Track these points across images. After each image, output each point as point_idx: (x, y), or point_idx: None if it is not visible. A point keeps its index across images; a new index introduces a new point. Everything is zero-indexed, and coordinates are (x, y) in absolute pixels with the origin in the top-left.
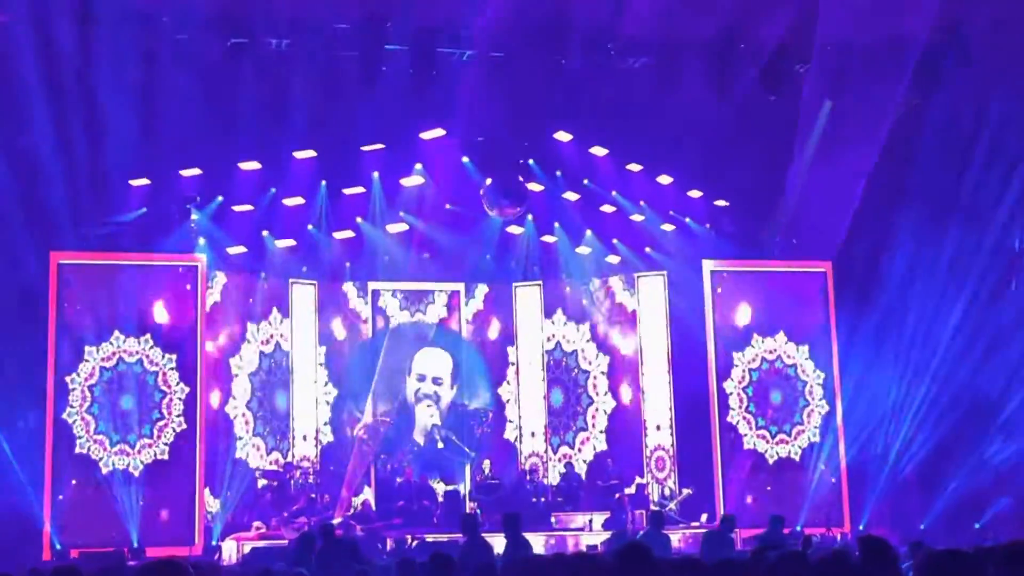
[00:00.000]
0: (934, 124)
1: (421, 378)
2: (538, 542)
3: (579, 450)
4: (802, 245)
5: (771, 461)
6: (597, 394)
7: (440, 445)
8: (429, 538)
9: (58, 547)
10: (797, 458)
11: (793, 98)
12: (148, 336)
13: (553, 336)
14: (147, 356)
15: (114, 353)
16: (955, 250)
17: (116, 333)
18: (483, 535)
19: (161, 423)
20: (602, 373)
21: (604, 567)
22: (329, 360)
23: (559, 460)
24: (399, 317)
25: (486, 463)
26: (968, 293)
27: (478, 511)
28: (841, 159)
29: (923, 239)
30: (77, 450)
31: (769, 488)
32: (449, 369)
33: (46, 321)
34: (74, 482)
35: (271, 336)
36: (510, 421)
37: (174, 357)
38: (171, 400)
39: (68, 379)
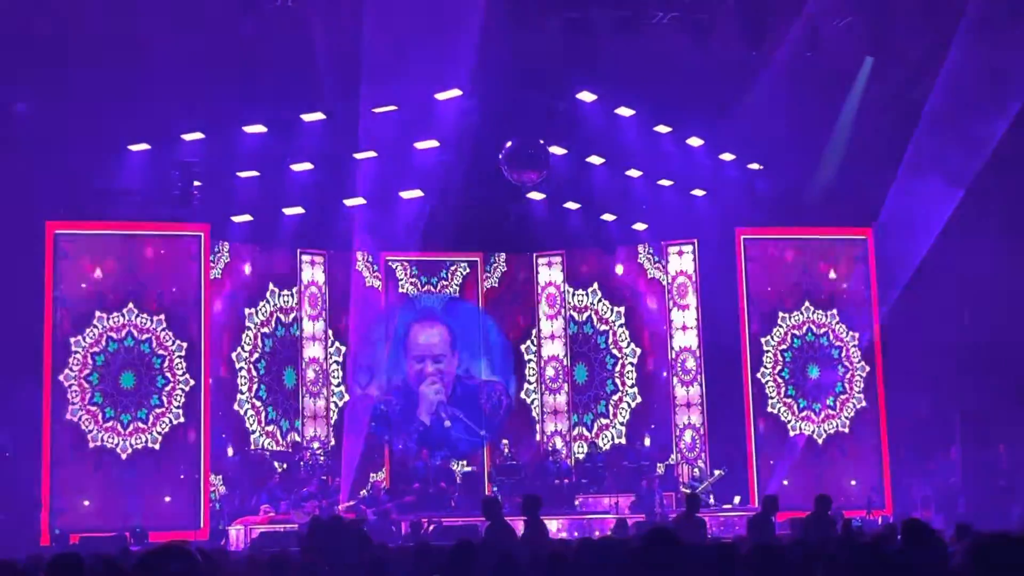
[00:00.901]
0: (976, 77)
1: (419, 359)
2: (561, 526)
3: (596, 435)
4: (841, 210)
5: (820, 441)
6: (624, 385)
7: (447, 424)
8: (446, 521)
9: (57, 531)
10: (847, 430)
11: (831, 54)
12: (162, 316)
13: (586, 309)
14: (157, 337)
15: (124, 325)
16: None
17: (130, 305)
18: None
19: (159, 410)
20: (632, 365)
21: (631, 553)
22: (337, 328)
23: (574, 439)
24: (412, 289)
25: (505, 443)
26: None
27: (497, 493)
28: (884, 121)
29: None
30: (68, 416)
31: (809, 469)
32: (447, 343)
33: (42, 293)
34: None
35: (272, 313)
36: (530, 398)
37: (184, 345)
38: (174, 388)
39: (72, 340)
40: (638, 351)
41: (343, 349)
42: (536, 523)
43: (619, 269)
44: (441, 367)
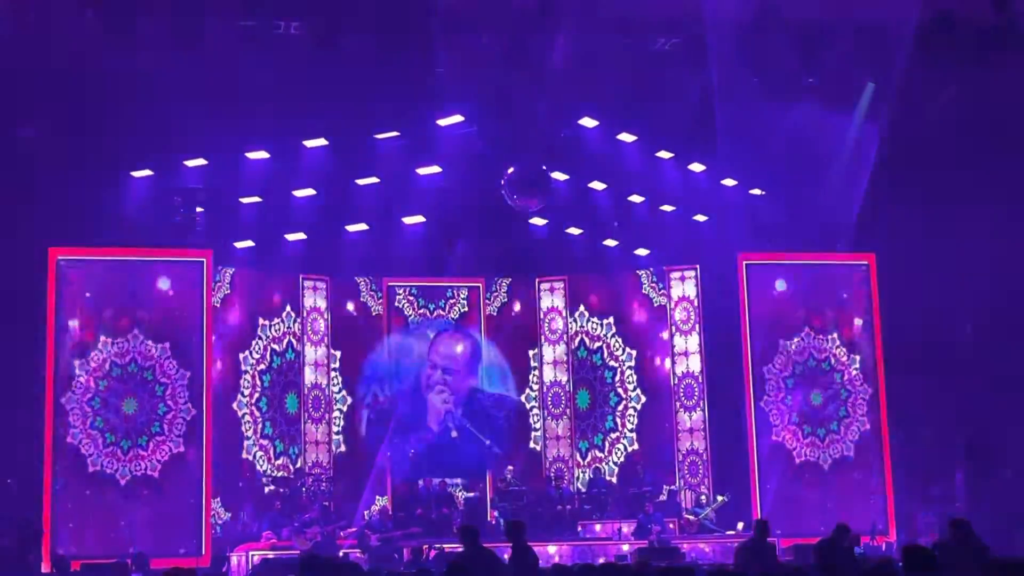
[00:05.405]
0: (980, 105)
1: (435, 366)
2: (563, 552)
3: (609, 452)
4: (843, 235)
5: (798, 462)
6: (626, 391)
7: (454, 434)
8: (448, 548)
9: (59, 556)
10: (826, 467)
11: (834, 79)
12: (165, 343)
13: (587, 334)
14: (138, 353)
15: (104, 360)
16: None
17: (132, 331)
18: (485, 544)
19: (170, 415)
20: (630, 368)
21: None
22: (343, 364)
23: (587, 466)
24: (415, 315)
25: (510, 469)
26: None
27: (500, 519)
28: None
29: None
30: (91, 468)
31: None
32: (467, 356)
33: (44, 322)
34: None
35: (274, 339)
36: (533, 423)
37: (167, 345)
38: (174, 389)
39: (63, 399)
40: (640, 376)
41: (348, 394)
42: (522, 548)
43: (620, 295)
44: (450, 379)
